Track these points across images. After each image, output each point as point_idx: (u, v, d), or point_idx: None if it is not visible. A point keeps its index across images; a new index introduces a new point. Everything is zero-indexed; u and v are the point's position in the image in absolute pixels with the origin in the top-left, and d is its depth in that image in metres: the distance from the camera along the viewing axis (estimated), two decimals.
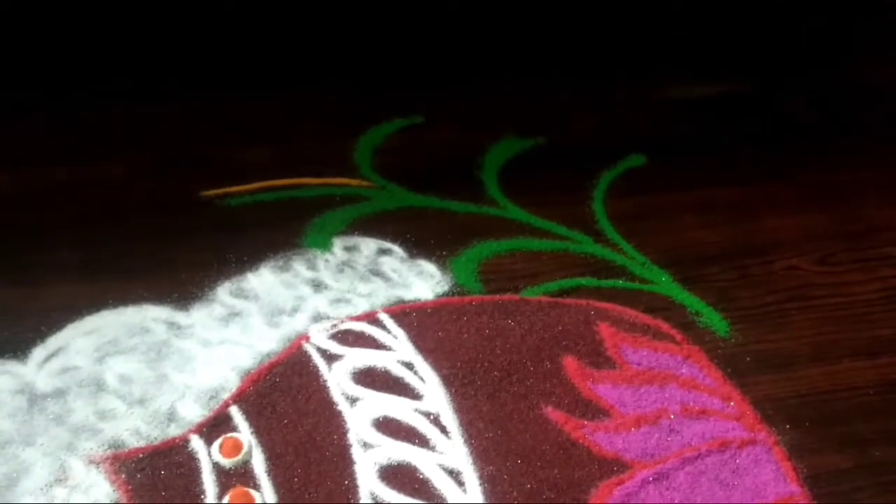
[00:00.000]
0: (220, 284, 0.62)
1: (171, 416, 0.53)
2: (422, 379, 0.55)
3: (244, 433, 0.52)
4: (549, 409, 0.54)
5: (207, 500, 0.49)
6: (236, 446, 0.51)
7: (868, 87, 0.87)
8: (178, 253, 0.64)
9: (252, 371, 0.56)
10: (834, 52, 0.91)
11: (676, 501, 0.50)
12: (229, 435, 0.52)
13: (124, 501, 0.49)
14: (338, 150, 0.75)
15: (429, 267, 0.64)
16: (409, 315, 0.60)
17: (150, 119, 0.78)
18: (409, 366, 0.56)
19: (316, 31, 0.80)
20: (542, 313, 0.60)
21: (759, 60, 0.89)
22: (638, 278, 0.64)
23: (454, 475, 0.50)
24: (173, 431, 0.53)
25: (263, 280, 0.62)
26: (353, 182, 0.72)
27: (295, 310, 0.60)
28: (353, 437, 0.52)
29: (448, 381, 0.55)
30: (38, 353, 0.57)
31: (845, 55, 0.91)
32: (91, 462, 0.51)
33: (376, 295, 0.61)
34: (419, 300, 0.61)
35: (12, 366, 0.56)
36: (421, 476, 0.50)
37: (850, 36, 0.92)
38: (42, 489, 0.49)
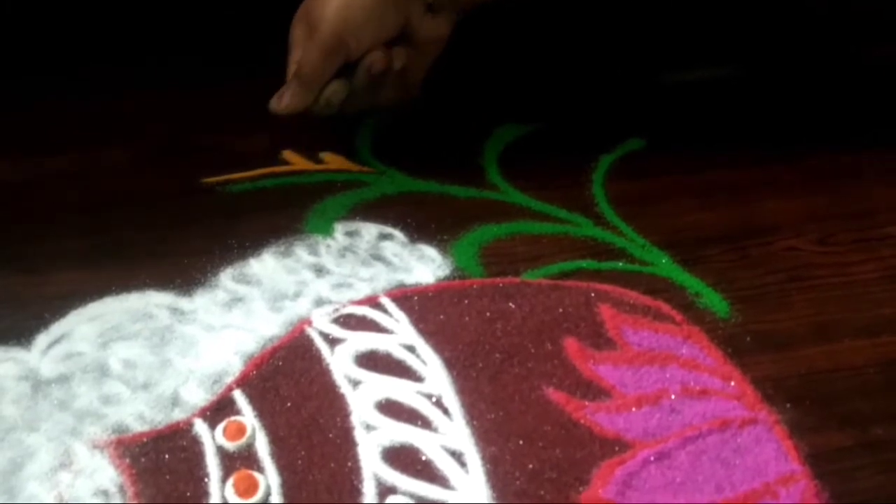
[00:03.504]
0: (223, 270, 0.62)
1: (175, 401, 0.54)
2: (423, 361, 0.55)
3: (248, 416, 0.52)
4: (551, 390, 0.54)
5: (211, 483, 0.49)
6: (240, 429, 0.52)
7: (867, 67, 0.87)
8: (181, 239, 0.64)
9: (255, 355, 0.56)
10: (833, 34, 0.91)
11: (678, 480, 0.50)
12: (233, 418, 0.52)
13: (128, 485, 0.49)
14: (339, 137, 0.75)
15: (430, 251, 0.64)
16: (410, 299, 0.60)
17: (150, 107, 0.78)
18: (411, 349, 0.56)
19: None
20: (542, 296, 0.60)
21: (758, 42, 0.89)
22: (638, 260, 0.64)
23: (456, 456, 0.50)
24: (177, 415, 0.53)
25: (265, 265, 0.62)
26: (354, 168, 0.72)
27: (297, 294, 0.60)
28: (355, 420, 0.52)
29: (450, 363, 0.55)
30: (42, 339, 0.57)
31: (845, 36, 0.91)
32: (95, 447, 0.51)
33: (378, 279, 0.61)
34: (420, 284, 0.61)
35: (16, 352, 0.56)
36: (423, 457, 0.50)
37: (850, 17, 0.92)
38: (46, 474, 0.50)
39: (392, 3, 0.68)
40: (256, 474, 0.49)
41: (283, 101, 0.69)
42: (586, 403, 0.54)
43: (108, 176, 0.71)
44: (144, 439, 0.51)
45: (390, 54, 0.70)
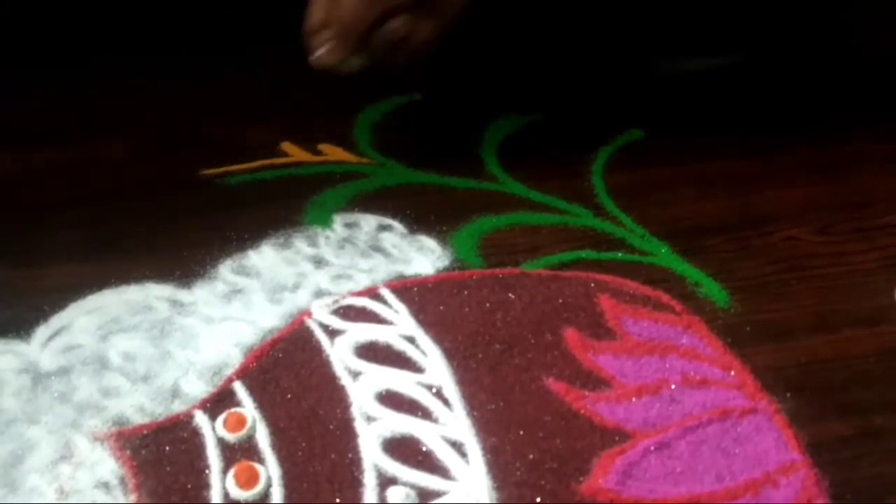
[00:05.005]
0: (222, 262, 0.62)
1: (175, 393, 0.54)
2: (423, 352, 0.55)
3: (248, 408, 0.52)
4: (551, 380, 0.54)
5: (212, 475, 0.49)
6: (240, 421, 0.52)
7: (867, 57, 0.87)
8: (180, 231, 0.64)
9: (255, 347, 0.56)
10: (832, 23, 0.91)
11: (678, 470, 0.50)
12: (233, 410, 0.52)
13: (129, 477, 0.49)
14: (337, 128, 0.75)
15: (429, 242, 0.64)
16: (410, 290, 0.60)
17: (148, 99, 0.78)
18: (411, 340, 0.56)
19: None
20: (542, 286, 0.60)
21: (757, 32, 0.89)
22: (637, 250, 0.64)
23: (457, 447, 0.50)
24: (177, 407, 0.53)
25: (265, 257, 0.62)
26: (353, 159, 0.72)
27: (296, 286, 0.60)
28: (356, 411, 0.52)
29: (450, 354, 0.55)
30: (42, 332, 0.57)
31: (844, 26, 0.91)
32: (96, 439, 0.51)
33: (377, 270, 0.61)
34: (420, 275, 0.61)
35: (16, 345, 0.56)
36: (424, 448, 0.50)
37: (849, 6, 0.92)
38: (47, 466, 0.50)
39: None
40: (257, 466, 0.49)
41: (323, 54, 0.66)
42: (586, 393, 0.54)
43: (106, 168, 0.71)
44: (145, 431, 0.51)
45: (413, 20, 0.66)
